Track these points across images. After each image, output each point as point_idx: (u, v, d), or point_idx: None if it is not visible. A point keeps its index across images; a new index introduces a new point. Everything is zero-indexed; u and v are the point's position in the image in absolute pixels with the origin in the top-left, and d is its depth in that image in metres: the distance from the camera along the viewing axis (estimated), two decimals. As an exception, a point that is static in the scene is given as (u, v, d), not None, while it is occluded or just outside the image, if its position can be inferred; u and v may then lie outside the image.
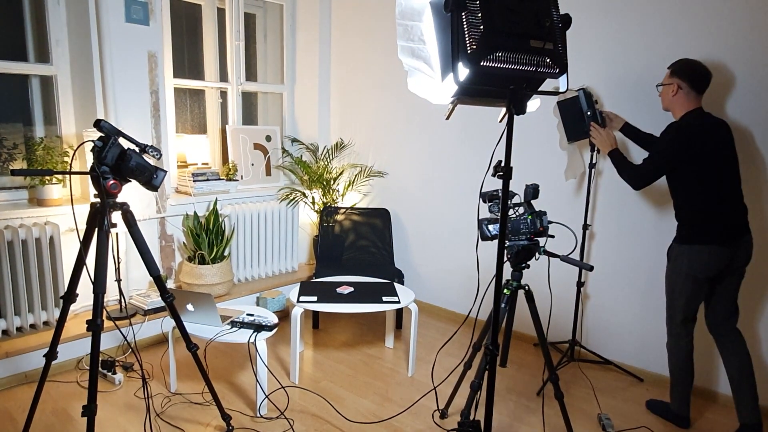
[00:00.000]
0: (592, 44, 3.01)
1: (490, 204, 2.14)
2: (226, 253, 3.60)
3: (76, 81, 3.15)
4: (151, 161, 2.12)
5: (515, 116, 1.89)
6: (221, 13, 3.92)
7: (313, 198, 4.19)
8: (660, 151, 2.29)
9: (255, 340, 2.45)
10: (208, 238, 3.48)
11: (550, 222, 2.14)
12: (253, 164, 4.11)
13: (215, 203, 3.56)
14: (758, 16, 2.49)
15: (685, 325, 2.43)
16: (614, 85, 2.96)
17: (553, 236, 2.18)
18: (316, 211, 4.18)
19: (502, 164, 1.61)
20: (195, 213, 3.54)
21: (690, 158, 2.25)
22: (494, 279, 1.64)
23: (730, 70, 2.59)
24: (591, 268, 2.00)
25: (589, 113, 2.88)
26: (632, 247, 3.00)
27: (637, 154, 2.92)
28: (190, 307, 2.55)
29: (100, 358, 2.85)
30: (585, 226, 3.04)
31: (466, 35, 1.33)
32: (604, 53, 2.97)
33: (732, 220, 2.29)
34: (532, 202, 2.44)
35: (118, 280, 3.10)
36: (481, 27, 1.32)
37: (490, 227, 2.04)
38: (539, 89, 1.56)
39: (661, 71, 2.78)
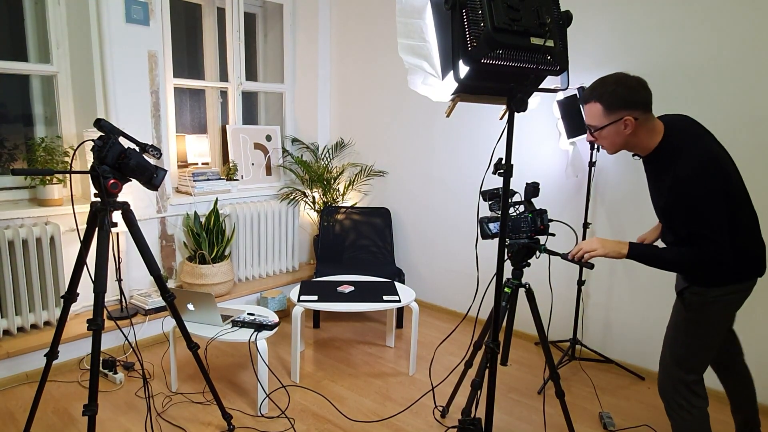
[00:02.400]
0: (592, 42, 3.01)
1: (490, 202, 2.13)
2: (226, 253, 3.60)
3: (76, 81, 3.15)
4: (152, 161, 2.12)
5: (516, 114, 1.89)
6: (221, 12, 3.92)
7: (313, 197, 4.19)
8: (706, 206, 1.63)
9: (256, 339, 2.45)
10: (208, 237, 3.48)
11: (550, 220, 2.13)
12: (253, 164, 4.11)
13: (216, 203, 3.56)
14: (761, 13, 2.49)
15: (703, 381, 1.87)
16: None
17: (553, 234, 2.18)
18: (317, 211, 4.18)
19: (503, 162, 1.60)
20: (195, 213, 3.55)
21: (725, 194, 1.67)
22: (495, 277, 1.64)
23: (731, 70, 2.59)
24: (592, 267, 2.00)
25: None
26: (633, 246, 2.99)
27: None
28: (190, 306, 2.55)
29: (101, 358, 2.85)
30: (585, 225, 3.03)
31: (467, 32, 1.33)
32: (605, 51, 2.97)
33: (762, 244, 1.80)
34: (533, 200, 2.43)
35: (119, 280, 3.10)
36: (482, 24, 1.32)
37: (491, 225, 2.03)
38: (540, 87, 1.56)
39: (661, 70, 2.78)
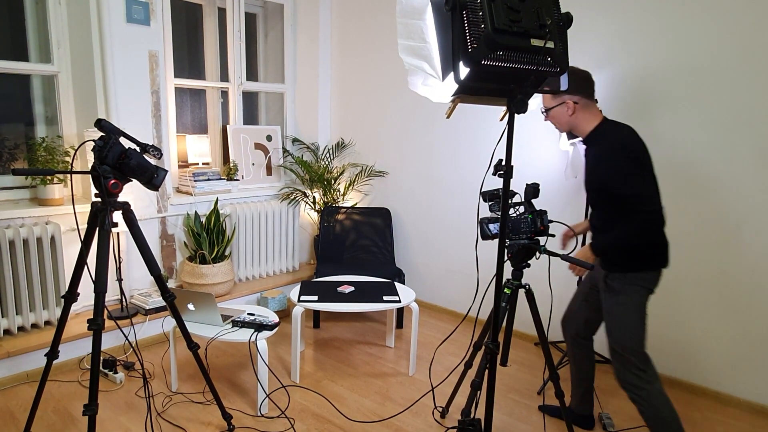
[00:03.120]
0: (592, 43, 3.01)
1: (490, 203, 2.14)
2: (227, 253, 3.60)
3: (77, 81, 3.15)
4: (152, 161, 2.13)
5: (516, 115, 1.89)
6: (222, 12, 3.92)
7: (313, 197, 4.19)
8: (620, 171, 1.92)
9: (256, 339, 2.46)
10: (209, 237, 3.48)
11: (550, 221, 2.13)
12: (254, 164, 4.11)
13: (216, 203, 3.57)
14: (760, 13, 2.49)
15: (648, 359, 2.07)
16: (617, 84, 2.96)
17: (553, 235, 2.18)
18: (317, 211, 4.18)
19: (503, 163, 1.61)
20: (196, 212, 3.55)
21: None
22: (494, 278, 1.64)
23: (731, 71, 2.59)
24: (592, 267, 2.00)
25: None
26: (633, 247, 2.99)
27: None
28: (191, 306, 2.55)
29: (101, 358, 2.85)
30: (586, 226, 3.03)
31: (467, 34, 1.33)
32: (605, 52, 2.97)
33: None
34: (533, 201, 2.43)
35: (119, 280, 3.10)
36: (482, 25, 1.32)
37: (491, 226, 2.03)
38: (540, 88, 1.56)
39: (661, 71, 2.78)
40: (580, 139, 2.17)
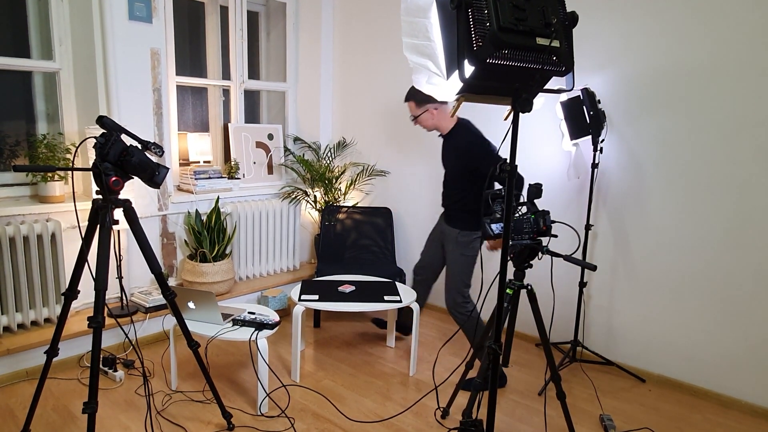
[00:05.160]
0: (594, 44, 3.00)
1: (493, 203, 2.13)
2: (227, 251, 3.60)
3: (78, 78, 3.14)
4: (154, 158, 2.12)
5: (520, 114, 1.88)
6: (224, 10, 3.91)
7: (314, 196, 4.18)
8: (490, 152, 2.70)
9: (256, 338, 2.45)
10: (209, 236, 3.48)
11: (553, 221, 2.13)
12: (255, 162, 4.10)
13: (217, 201, 3.56)
14: (762, 14, 2.48)
15: None
16: (619, 85, 2.95)
17: (556, 236, 2.17)
18: (318, 210, 4.18)
19: (507, 162, 1.60)
20: (197, 211, 3.54)
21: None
22: (497, 278, 1.63)
23: (733, 72, 2.58)
24: (594, 268, 1.99)
25: (591, 113, 2.87)
26: (635, 248, 2.99)
27: (645, 159, 2.91)
28: (191, 304, 2.55)
29: (101, 356, 2.85)
30: (587, 226, 3.03)
31: (472, 32, 1.32)
32: (607, 53, 2.96)
33: None
34: (535, 201, 2.43)
35: (120, 277, 3.10)
36: (487, 24, 1.31)
37: (493, 226, 2.03)
38: (545, 87, 1.55)
39: (663, 72, 2.77)
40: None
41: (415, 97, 2.75)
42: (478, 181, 2.74)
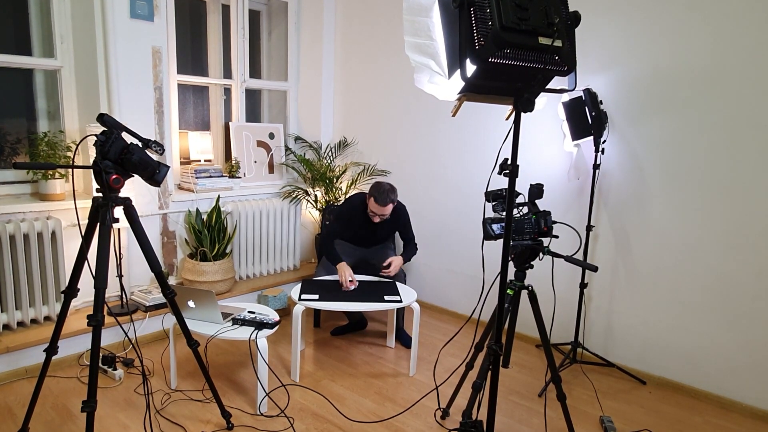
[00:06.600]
0: (597, 45, 2.99)
1: (494, 203, 2.12)
2: (228, 251, 3.59)
3: (80, 76, 3.14)
4: (155, 157, 2.11)
5: (522, 114, 1.88)
6: (226, 9, 3.91)
7: (315, 196, 4.17)
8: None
9: (256, 337, 2.44)
10: (210, 234, 3.47)
11: (554, 222, 2.12)
12: (255, 161, 4.10)
13: (218, 200, 3.55)
14: (766, 16, 2.47)
15: None
16: (622, 87, 2.94)
17: (557, 236, 2.16)
18: (319, 209, 4.17)
19: (509, 162, 1.59)
20: (197, 209, 3.54)
21: None
22: (497, 278, 1.62)
23: (736, 74, 2.57)
24: (595, 269, 1.99)
25: (593, 114, 2.86)
26: (636, 249, 2.98)
27: (646, 160, 2.91)
28: (191, 303, 2.54)
29: (101, 354, 2.84)
30: (589, 227, 3.02)
31: (474, 31, 1.31)
32: (609, 54, 2.96)
33: None
34: (537, 201, 2.42)
35: (120, 276, 3.09)
36: (490, 23, 1.31)
37: (494, 226, 2.02)
38: (547, 87, 1.54)
39: (665, 73, 2.76)
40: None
41: (391, 195, 3.12)
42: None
